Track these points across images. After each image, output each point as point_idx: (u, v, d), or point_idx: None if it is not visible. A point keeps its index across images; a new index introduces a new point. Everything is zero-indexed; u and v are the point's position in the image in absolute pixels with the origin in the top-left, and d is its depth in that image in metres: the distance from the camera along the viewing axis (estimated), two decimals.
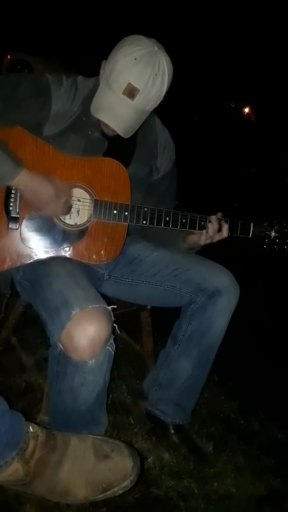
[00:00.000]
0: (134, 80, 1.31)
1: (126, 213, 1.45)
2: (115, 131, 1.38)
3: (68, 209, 1.40)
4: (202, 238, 1.51)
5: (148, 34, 1.38)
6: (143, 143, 1.57)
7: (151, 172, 1.62)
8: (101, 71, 1.40)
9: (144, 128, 1.49)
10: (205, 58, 15.13)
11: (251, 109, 18.05)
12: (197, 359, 1.58)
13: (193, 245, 1.58)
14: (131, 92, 1.32)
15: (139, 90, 1.32)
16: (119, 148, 1.46)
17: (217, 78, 15.34)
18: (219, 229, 1.50)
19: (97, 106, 1.38)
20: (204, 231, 1.50)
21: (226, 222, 1.52)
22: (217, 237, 1.51)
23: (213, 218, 1.50)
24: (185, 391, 1.62)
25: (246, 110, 18.27)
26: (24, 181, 1.30)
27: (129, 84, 1.31)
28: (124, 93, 1.32)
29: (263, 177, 9.26)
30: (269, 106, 15.60)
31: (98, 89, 1.39)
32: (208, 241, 1.52)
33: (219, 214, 1.53)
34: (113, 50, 1.36)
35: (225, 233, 1.51)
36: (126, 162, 1.48)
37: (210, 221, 1.49)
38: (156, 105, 1.40)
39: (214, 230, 1.49)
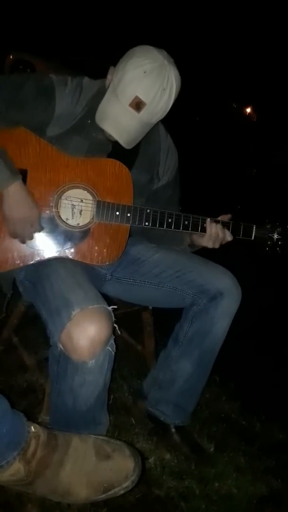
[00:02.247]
0: (142, 93, 1.31)
1: (129, 215, 1.45)
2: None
3: (23, 240, 1.39)
4: (205, 239, 1.51)
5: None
6: (146, 149, 1.57)
7: (152, 180, 1.62)
8: (109, 77, 1.40)
9: (148, 134, 1.49)
10: (206, 58, 15.11)
11: (253, 109, 18.03)
12: (198, 361, 1.58)
13: (196, 243, 1.58)
14: (137, 105, 1.32)
15: (146, 104, 1.32)
16: (123, 151, 1.46)
17: (218, 78, 15.32)
18: (221, 233, 1.50)
19: (102, 115, 1.38)
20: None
21: (228, 228, 1.52)
22: (220, 241, 1.51)
23: (207, 221, 1.50)
24: (185, 392, 1.62)
25: (248, 110, 18.26)
26: (13, 192, 1.31)
27: (137, 97, 1.31)
28: (131, 105, 1.33)
29: (265, 178, 9.25)
30: (271, 106, 15.58)
31: (104, 96, 1.39)
32: (210, 244, 1.52)
33: (227, 216, 1.53)
34: (122, 59, 1.36)
35: (228, 237, 1.52)
36: (128, 166, 1.47)
37: (205, 224, 1.49)
38: (161, 118, 1.41)
39: (212, 232, 1.49)
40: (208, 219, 1.50)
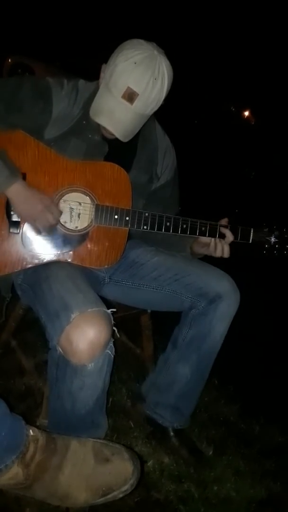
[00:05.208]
0: (134, 84, 1.31)
1: (127, 218, 1.45)
2: (114, 135, 1.39)
3: (52, 227, 1.40)
4: (210, 248, 1.51)
5: (148, 37, 1.38)
6: (143, 148, 1.57)
7: (151, 179, 1.62)
8: (101, 74, 1.41)
9: (144, 133, 1.50)
10: (205, 61, 15.17)
11: (251, 113, 18.10)
12: (196, 364, 1.58)
13: (198, 251, 1.58)
14: (130, 96, 1.32)
15: (138, 94, 1.32)
16: (120, 152, 1.47)
17: (217, 81, 15.39)
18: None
19: (96, 110, 1.38)
20: (212, 240, 1.50)
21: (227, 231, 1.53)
22: (222, 245, 1.51)
23: (228, 232, 1.50)
24: (184, 396, 1.62)
25: (246, 113, 18.33)
26: (16, 191, 1.31)
27: (128, 88, 1.31)
28: (123, 97, 1.32)
29: (263, 180, 9.28)
30: (269, 109, 15.64)
31: (97, 92, 1.40)
32: (213, 250, 1.51)
33: (225, 220, 1.53)
34: (113, 54, 1.36)
35: (230, 236, 1.51)
36: (126, 167, 1.48)
37: (224, 233, 1.50)
38: (155, 109, 1.40)
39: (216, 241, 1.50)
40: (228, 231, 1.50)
